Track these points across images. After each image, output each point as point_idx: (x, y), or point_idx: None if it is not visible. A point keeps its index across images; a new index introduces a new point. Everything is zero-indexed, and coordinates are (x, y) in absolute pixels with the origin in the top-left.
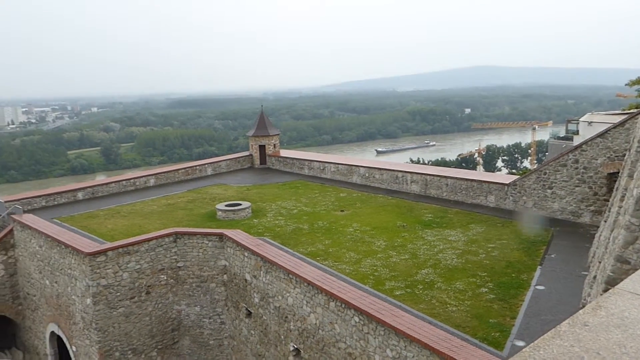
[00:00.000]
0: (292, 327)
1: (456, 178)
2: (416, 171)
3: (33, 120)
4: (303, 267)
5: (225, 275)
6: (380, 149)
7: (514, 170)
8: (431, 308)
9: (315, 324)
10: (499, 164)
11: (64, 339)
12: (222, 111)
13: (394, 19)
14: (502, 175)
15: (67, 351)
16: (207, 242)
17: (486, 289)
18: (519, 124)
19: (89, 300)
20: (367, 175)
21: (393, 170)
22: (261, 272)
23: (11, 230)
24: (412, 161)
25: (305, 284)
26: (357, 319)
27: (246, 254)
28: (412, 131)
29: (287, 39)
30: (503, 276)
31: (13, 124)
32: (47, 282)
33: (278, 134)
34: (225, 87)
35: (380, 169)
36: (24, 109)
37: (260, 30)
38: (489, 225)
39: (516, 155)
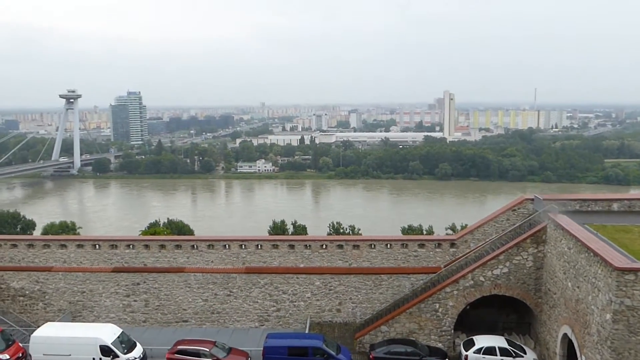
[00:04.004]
0: None
1: None
2: None
3: (575, 126)
4: None
5: None
6: None
7: None
8: None
9: None
10: None
11: (575, 345)
12: None
13: None
14: None
15: (576, 357)
16: None
17: None
18: None
19: (608, 316)
20: None
21: None
22: None
23: (544, 227)
24: None
25: None
26: None
27: None
28: None
29: None
30: None
31: (556, 128)
32: (570, 284)
33: None
34: None
35: None
36: (568, 114)
37: None
38: None
39: None
